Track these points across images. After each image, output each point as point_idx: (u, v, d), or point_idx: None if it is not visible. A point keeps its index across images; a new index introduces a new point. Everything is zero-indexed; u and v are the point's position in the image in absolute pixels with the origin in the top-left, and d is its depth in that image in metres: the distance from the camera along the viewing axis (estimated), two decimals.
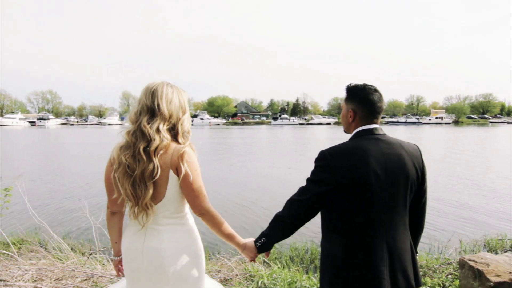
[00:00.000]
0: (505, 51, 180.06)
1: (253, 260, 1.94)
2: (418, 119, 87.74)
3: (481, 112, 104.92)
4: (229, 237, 1.85)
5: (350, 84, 1.85)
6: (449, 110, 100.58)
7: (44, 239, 4.32)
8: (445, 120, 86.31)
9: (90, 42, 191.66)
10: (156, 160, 1.62)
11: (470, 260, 2.97)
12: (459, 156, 20.32)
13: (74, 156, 21.46)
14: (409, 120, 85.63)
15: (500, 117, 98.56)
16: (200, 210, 1.74)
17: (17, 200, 4.43)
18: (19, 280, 3.10)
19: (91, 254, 4.10)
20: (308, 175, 1.77)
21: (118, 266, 1.98)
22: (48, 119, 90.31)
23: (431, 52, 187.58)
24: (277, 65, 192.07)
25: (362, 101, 1.79)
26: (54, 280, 3.44)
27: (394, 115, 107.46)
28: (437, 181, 12.52)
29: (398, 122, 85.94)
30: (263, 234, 1.87)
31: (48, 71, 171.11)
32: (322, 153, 1.70)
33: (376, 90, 1.81)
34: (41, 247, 4.21)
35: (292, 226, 1.78)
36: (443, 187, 11.40)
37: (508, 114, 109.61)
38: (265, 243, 1.86)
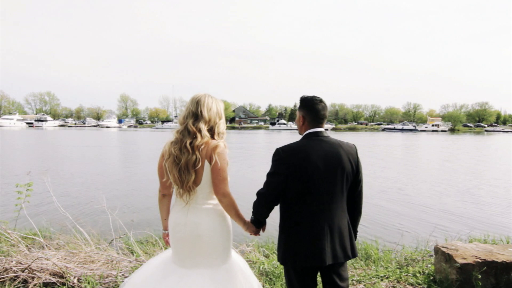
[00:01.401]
0: (502, 60, 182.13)
1: (254, 233, 2.36)
2: (414, 126, 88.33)
3: (477, 121, 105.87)
4: (240, 217, 2.26)
5: (303, 96, 2.32)
6: (445, 118, 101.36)
7: (68, 229, 4.75)
8: (441, 128, 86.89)
9: (89, 44, 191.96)
10: (198, 153, 2.11)
11: (442, 247, 3.45)
12: (450, 163, 20.86)
13: (78, 157, 21.86)
14: (405, 127, 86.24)
15: (495, 126, 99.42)
16: (223, 194, 2.14)
17: (40, 191, 4.83)
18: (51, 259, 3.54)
19: (112, 241, 4.56)
20: None
21: (166, 238, 2.46)
22: (46, 120, 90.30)
23: (428, 60, 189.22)
24: (276, 71, 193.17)
25: (309, 109, 2.26)
26: (79, 263, 3.87)
27: (391, 122, 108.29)
28: (430, 184, 13.04)
29: (394, 129, 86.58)
30: (252, 213, 2.34)
31: (46, 73, 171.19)
32: (277, 150, 2.18)
33: (321, 101, 2.27)
34: (65, 235, 4.64)
35: (264, 210, 2.26)
36: (433, 191, 11.91)
37: (504, 123, 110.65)
38: (254, 219, 2.33)
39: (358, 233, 2.44)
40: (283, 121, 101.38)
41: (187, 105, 2.26)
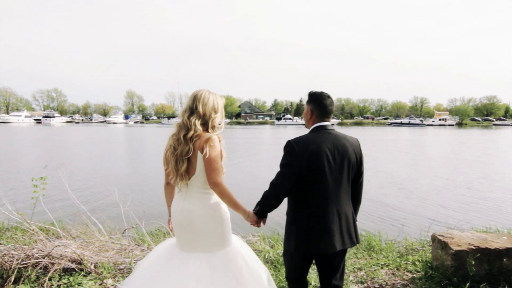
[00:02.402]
0: (510, 53, 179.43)
1: (254, 224, 2.43)
2: (421, 120, 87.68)
3: (485, 114, 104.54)
4: (237, 206, 2.33)
5: (312, 91, 2.46)
6: (453, 112, 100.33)
7: (82, 220, 4.99)
8: (448, 122, 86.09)
9: (94, 41, 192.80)
10: (190, 144, 2.28)
11: (439, 235, 3.61)
12: (454, 157, 20.86)
13: (88, 153, 22.25)
14: (412, 121, 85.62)
15: (504, 119, 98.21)
16: (214, 183, 2.26)
17: (54, 185, 5.03)
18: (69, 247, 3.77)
19: (124, 231, 4.80)
20: None
21: (170, 225, 2.65)
22: (53, 117, 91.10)
23: (435, 54, 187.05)
24: (281, 66, 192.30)
25: (317, 104, 2.40)
26: (94, 251, 4.10)
27: (397, 116, 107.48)
28: (435, 179, 13.14)
29: (401, 124, 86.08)
30: (257, 203, 2.42)
31: (53, 70, 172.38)
32: (289, 142, 2.30)
33: (329, 97, 2.42)
34: (80, 226, 4.89)
35: (276, 202, 2.35)
36: (438, 185, 12.02)
37: None
38: (259, 210, 2.40)
39: (357, 221, 2.56)
40: (288, 116, 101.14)
41: (187, 100, 2.44)
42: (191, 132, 2.28)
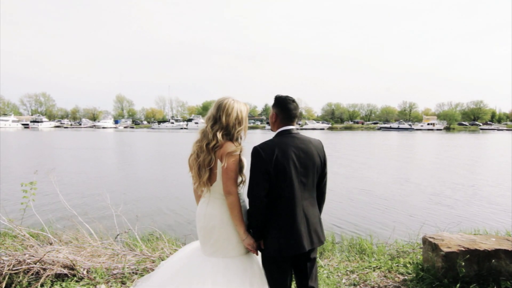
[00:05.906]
0: (497, 58, 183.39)
1: (251, 247, 2.38)
2: (410, 125, 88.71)
3: (472, 119, 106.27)
4: (240, 223, 2.34)
5: (277, 95, 2.49)
6: (441, 116, 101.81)
7: (73, 225, 4.95)
8: (436, 127, 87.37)
9: (84, 45, 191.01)
10: (212, 154, 2.33)
11: (430, 237, 3.68)
12: (442, 162, 21.17)
13: (77, 159, 21.99)
14: (401, 126, 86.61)
15: (490, 124, 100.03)
16: (228, 191, 2.30)
17: (44, 190, 4.95)
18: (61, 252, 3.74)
19: (117, 235, 4.76)
20: None
21: None
22: (41, 121, 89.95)
23: (424, 59, 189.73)
24: (271, 70, 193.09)
25: (282, 108, 2.44)
26: (86, 257, 4.07)
27: (387, 121, 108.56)
28: (426, 184, 13.32)
29: (390, 128, 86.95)
30: (248, 227, 2.41)
31: (41, 74, 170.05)
32: (255, 148, 2.32)
33: (293, 101, 2.46)
34: (71, 231, 4.84)
35: (262, 212, 2.32)
36: (427, 189, 12.19)
37: (499, 121, 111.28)
38: (255, 231, 2.38)
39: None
40: None
41: (211, 107, 2.46)
42: (213, 142, 2.32)
